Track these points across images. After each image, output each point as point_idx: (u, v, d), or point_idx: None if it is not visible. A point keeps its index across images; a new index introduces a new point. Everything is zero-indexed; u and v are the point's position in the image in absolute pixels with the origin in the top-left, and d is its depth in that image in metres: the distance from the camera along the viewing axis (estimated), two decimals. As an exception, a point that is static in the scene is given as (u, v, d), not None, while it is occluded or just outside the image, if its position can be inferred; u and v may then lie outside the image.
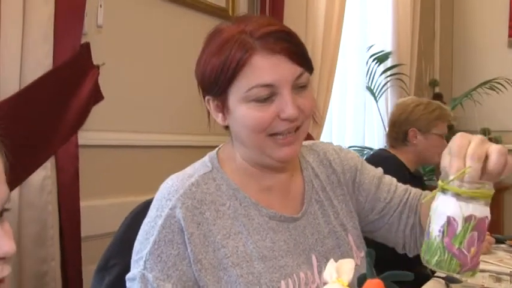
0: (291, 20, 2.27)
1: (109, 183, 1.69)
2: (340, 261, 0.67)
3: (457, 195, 0.64)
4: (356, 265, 0.78)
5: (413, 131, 1.84)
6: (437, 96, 3.94)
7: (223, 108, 0.81)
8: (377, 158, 1.86)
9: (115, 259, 0.99)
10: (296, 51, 0.77)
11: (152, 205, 0.82)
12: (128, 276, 0.80)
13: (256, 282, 0.77)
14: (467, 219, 0.63)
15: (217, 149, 0.91)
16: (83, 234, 1.53)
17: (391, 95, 3.27)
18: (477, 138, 0.68)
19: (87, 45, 1.54)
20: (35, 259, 1.39)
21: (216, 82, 0.78)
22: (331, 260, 0.68)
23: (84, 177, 1.55)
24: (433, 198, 0.68)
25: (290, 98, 0.76)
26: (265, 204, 0.85)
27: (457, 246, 0.63)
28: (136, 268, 0.78)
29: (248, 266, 0.78)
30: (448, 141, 1.90)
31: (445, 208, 0.64)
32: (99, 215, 1.61)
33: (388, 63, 3.28)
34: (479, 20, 3.87)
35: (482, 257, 1.48)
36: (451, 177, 0.65)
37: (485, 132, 3.81)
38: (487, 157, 0.66)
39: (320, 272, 0.82)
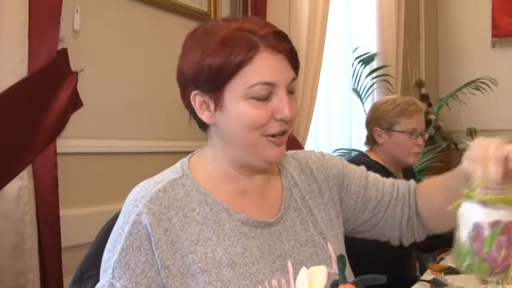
0: (274, 23, 2.23)
1: (90, 191, 1.66)
2: (312, 268, 0.66)
3: (482, 202, 0.65)
4: (334, 273, 0.77)
5: (377, 130, 1.77)
6: (424, 97, 3.96)
7: (216, 104, 0.79)
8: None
9: (90, 271, 0.98)
10: (295, 54, 0.80)
11: (121, 213, 0.81)
12: (97, 286, 0.78)
13: None
14: (494, 224, 0.64)
15: (189, 156, 0.89)
16: (63, 245, 1.50)
17: (377, 96, 3.27)
18: (496, 141, 0.68)
19: (64, 52, 1.51)
20: (12, 272, 1.35)
21: (214, 77, 0.76)
22: (303, 268, 0.67)
23: (64, 185, 1.51)
24: (459, 205, 0.68)
25: (287, 99, 0.78)
26: (239, 209, 0.83)
27: (486, 250, 0.65)
28: (104, 278, 0.77)
29: (217, 272, 0.76)
30: (413, 139, 1.74)
31: (471, 215, 0.66)
32: (80, 224, 1.57)
33: (374, 64, 3.28)
34: (463, 20, 3.90)
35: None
36: (474, 184, 0.66)
37: (471, 131, 3.83)
38: (507, 158, 0.66)
39: (296, 279, 0.80)
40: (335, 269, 0.85)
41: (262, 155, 0.80)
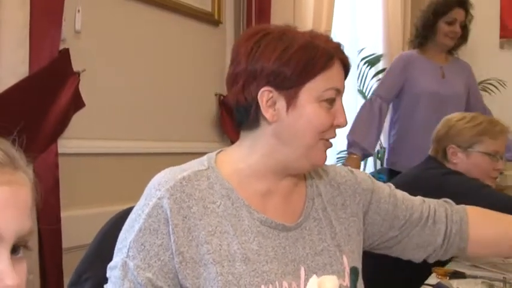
0: (278, 23, 2.24)
1: (91, 192, 1.66)
2: (323, 277, 0.67)
3: None
4: (346, 286, 0.78)
5: (453, 147, 1.56)
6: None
7: (288, 103, 0.81)
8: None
9: (88, 273, 0.96)
10: (349, 69, 0.88)
11: (142, 195, 0.82)
12: (110, 264, 0.80)
13: (235, 283, 0.76)
14: None
15: (217, 151, 0.90)
16: (64, 246, 1.50)
17: (383, 98, 3.24)
18: None
19: (66, 52, 1.51)
20: (12, 273, 1.34)
21: (299, 74, 0.80)
22: (314, 276, 0.68)
23: (65, 186, 1.51)
24: None
25: (342, 107, 0.84)
26: (260, 209, 0.84)
27: None
28: (118, 256, 0.79)
29: (229, 265, 0.77)
30: (494, 162, 1.59)
31: None
32: (80, 225, 1.57)
33: (380, 66, 3.26)
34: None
35: (475, 262, 1.45)
36: None
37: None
38: None
39: (306, 286, 0.81)
40: (347, 282, 0.86)
41: (314, 157, 0.84)
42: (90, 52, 1.64)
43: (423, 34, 2.34)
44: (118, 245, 0.80)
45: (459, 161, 1.56)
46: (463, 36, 2.36)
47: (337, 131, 0.87)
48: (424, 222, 0.98)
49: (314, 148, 0.83)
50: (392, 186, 1.02)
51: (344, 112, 0.84)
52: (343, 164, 2.58)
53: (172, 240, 0.76)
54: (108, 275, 0.80)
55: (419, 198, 1.02)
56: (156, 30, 1.90)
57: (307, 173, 0.92)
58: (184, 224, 0.77)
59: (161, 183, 0.80)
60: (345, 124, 0.84)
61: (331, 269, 0.85)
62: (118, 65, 1.75)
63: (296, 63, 0.80)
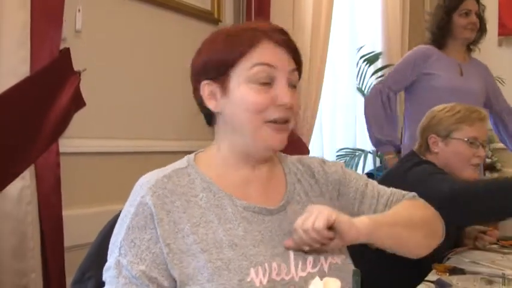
0: (278, 22, 2.23)
1: (92, 191, 1.66)
2: (326, 279, 0.67)
3: None
4: (319, 273, 0.82)
5: (433, 137, 1.58)
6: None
7: (222, 91, 0.85)
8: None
9: (91, 271, 0.97)
10: (294, 48, 0.88)
11: (128, 199, 0.86)
12: (105, 267, 0.82)
13: (224, 268, 0.78)
14: None
15: (196, 152, 0.94)
16: (66, 244, 1.50)
17: (382, 95, 3.25)
18: None
19: (67, 51, 1.51)
20: (15, 272, 1.35)
21: (222, 62, 0.85)
22: (317, 278, 0.68)
23: (67, 185, 1.51)
24: None
25: (286, 86, 0.85)
26: (241, 196, 0.87)
27: None
28: (112, 257, 0.81)
29: (217, 252, 0.79)
30: (473, 149, 1.59)
31: None
32: (82, 224, 1.57)
33: (379, 64, 3.26)
34: (469, 19, 3.85)
35: (474, 258, 1.46)
36: None
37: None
38: None
39: (297, 266, 0.83)
40: (333, 261, 0.87)
41: (263, 140, 0.85)
42: (90, 51, 1.64)
43: (441, 34, 2.28)
44: (110, 249, 0.83)
45: (439, 150, 1.57)
46: (481, 28, 2.30)
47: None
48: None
49: (260, 132, 0.84)
50: (370, 182, 1.02)
51: (287, 90, 0.84)
52: (384, 166, 2.55)
53: (159, 233, 0.79)
54: (104, 278, 0.82)
55: (390, 190, 1.02)
56: (156, 30, 1.90)
57: (282, 162, 0.96)
58: (169, 217, 0.80)
59: (143, 183, 0.84)
60: (289, 103, 0.84)
61: (317, 249, 0.85)
62: (118, 64, 1.76)
63: (219, 51, 0.86)
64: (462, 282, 1.24)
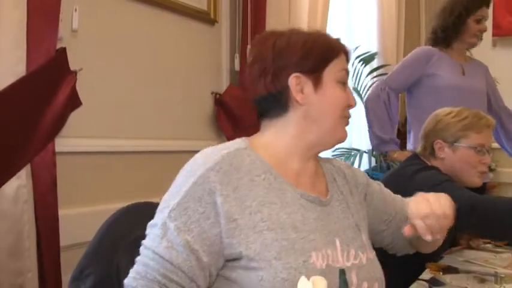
0: (273, 22, 2.26)
1: (88, 190, 1.66)
2: (314, 277, 0.69)
3: None
4: (367, 259, 0.90)
5: (440, 142, 1.56)
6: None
7: (315, 85, 0.92)
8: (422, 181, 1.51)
9: (90, 268, 0.97)
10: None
11: (185, 168, 0.86)
12: (150, 223, 0.84)
13: (290, 247, 0.81)
14: None
15: (243, 138, 0.95)
16: (62, 244, 1.50)
17: (377, 95, 3.26)
18: None
19: (63, 51, 1.51)
20: (11, 271, 1.35)
21: (322, 56, 0.92)
22: (303, 277, 0.70)
23: (63, 185, 1.51)
24: None
25: (351, 91, 0.97)
26: (296, 185, 0.91)
27: None
28: (159, 216, 0.83)
29: (282, 232, 0.83)
30: (480, 156, 1.60)
31: None
32: (78, 223, 1.57)
33: (374, 64, 3.27)
34: (464, 19, 3.86)
35: (467, 258, 1.48)
36: None
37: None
38: None
39: (343, 256, 0.88)
40: (369, 255, 0.94)
41: (338, 133, 0.95)
42: (87, 51, 1.64)
43: (446, 35, 2.27)
44: (159, 207, 0.84)
45: (446, 155, 1.55)
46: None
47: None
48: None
49: (338, 125, 0.94)
50: (382, 184, 1.12)
51: (352, 94, 0.97)
52: (393, 160, 2.57)
53: (224, 209, 0.81)
54: (147, 232, 0.83)
55: (399, 197, 1.11)
56: (152, 29, 1.91)
57: (321, 161, 1.02)
58: (236, 194, 0.83)
59: (207, 156, 0.86)
60: (355, 105, 0.96)
61: (356, 243, 0.92)
62: (115, 63, 1.76)
63: (317, 50, 0.92)
64: (455, 280, 1.25)
